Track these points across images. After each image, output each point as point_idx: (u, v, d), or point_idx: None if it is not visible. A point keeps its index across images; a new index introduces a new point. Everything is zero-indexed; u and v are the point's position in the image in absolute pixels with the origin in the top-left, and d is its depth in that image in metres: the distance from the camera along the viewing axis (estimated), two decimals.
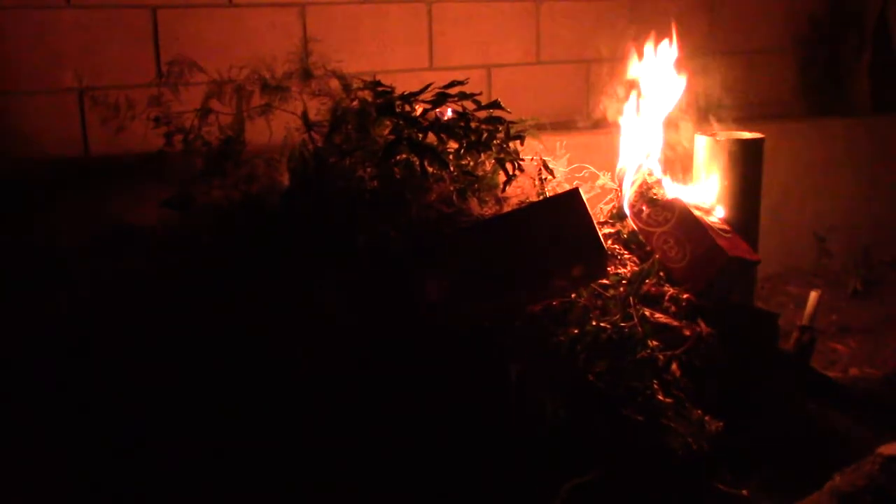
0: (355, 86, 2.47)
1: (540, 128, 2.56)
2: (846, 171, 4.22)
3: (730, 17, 4.14)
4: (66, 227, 2.48)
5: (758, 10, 4.21)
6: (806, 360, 2.93)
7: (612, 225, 2.81)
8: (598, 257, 2.22)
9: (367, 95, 2.46)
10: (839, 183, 4.21)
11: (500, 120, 2.37)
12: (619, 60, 3.08)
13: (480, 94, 2.43)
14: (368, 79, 2.58)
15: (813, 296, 3.05)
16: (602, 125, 2.95)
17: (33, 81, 2.95)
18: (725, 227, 2.72)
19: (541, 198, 2.42)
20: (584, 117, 3.52)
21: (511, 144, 2.36)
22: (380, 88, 2.48)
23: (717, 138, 2.78)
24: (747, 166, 2.79)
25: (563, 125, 3.21)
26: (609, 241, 2.74)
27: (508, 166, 2.34)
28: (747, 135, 2.83)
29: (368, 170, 2.25)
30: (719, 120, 3.51)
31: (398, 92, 2.45)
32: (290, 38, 3.26)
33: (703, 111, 3.10)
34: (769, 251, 3.78)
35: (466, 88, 2.45)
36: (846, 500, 1.97)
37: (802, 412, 2.65)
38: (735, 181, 2.79)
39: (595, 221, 2.34)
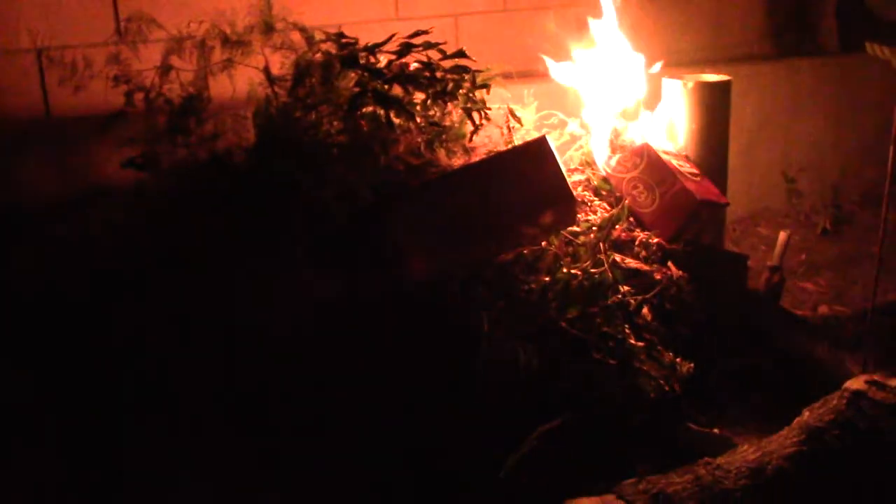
0: (318, 38, 2.43)
1: (507, 76, 2.54)
2: (814, 111, 4.24)
3: None
4: (29, 189, 2.43)
5: None
6: (775, 299, 2.97)
7: (582, 171, 2.82)
8: (567, 204, 2.22)
9: (330, 48, 2.42)
10: (807, 123, 4.22)
11: (465, 69, 2.35)
12: (584, 5, 3.06)
13: (446, 43, 2.40)
14: (333, 31, 2.53)
15: (782, 236, 3.08)
16: (572, 72, 2.93)
17: None
18: (695, 170, 2.73)
19: (509, 147, 2.41)
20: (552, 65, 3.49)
21: (478, 94, 2.34)
22: (343, 40, 2.45)
23: (685, 82, 2.78)
24: (715, 109, 2.79)
25: (531, 73, 3.17)
26: (579, 189, 2.74)
27: (475, 115, 2.32)
28: (714, 77, 2.82)
29: (334, 123, 2.23)
30: (687, 63, 3.51)
31: (363, 43, 2.41)
32: None
33: (669, 54, 3.08)
34: (739, 194, 3.81)
35: (432, 38, 2.42)
36: (814, 434, 2.01)
37: (772, 350, 2.69)
38: (703, 124, 2.80)
39: (564, 168, 2.34)
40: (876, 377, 2.25)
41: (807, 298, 3.39)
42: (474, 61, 2.41)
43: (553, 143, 2.24)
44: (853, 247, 3.84)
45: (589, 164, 2.83)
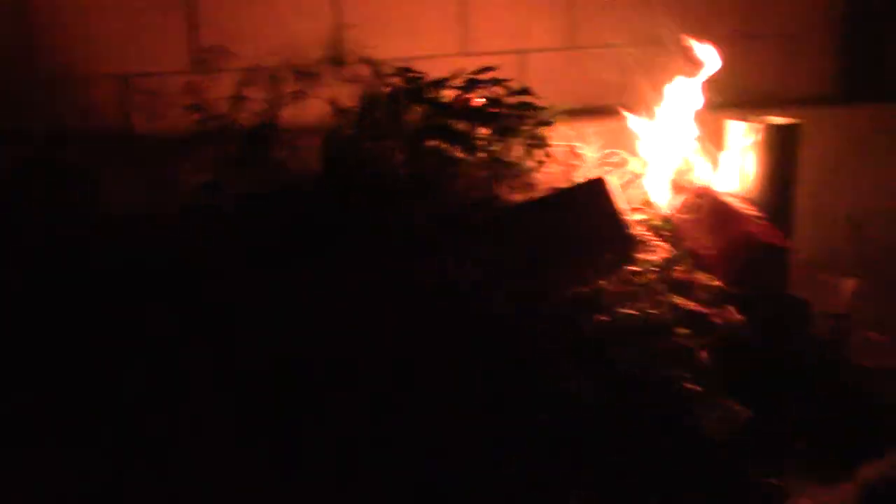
0: (386, 72, 2.49)
1: (573, 113, 2.56)
2: (884, 156, 4.15)
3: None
4: (112, 203, 2.51)
5: None
6: (839, 348, 2.90)
7: (643, 211, 2.81)
8: (624, 243, 2.22)
9: (397, 81, 2.47)
10: (877, 169, 4.13)
11: (530, 106, 2.37)
12: (654, 45, 3.06)
13: (511, 80, 2.43)
14: (400, 65, 2.58)
15: (848, 284, 3.01)
16: (637, 111, 2.93)
17: (83, 66, 2.99)
18: (757, 214, 2.70)
19: (569, 185, 2.42)
20: (617, 103, 3.50)
21: (540, 130, 2.36)
22: (410, 74, 2.50)
23: (752, 125, 2.76)
24: (782, 152, 2.77)
25: (597, 111, 3.18)
26: (639, 228, 2.73)
27: (537, 152, 2.34)
28: (781, 120, 2.80)
29: (399, 155, 2.27)
30: (753, 105, 3.47)
31: (429, 78, 2.46)
32: (322, 24, 3.27)
33: (736, 97, 3.07)
34: (805, 239, 3.73)
35: (498, 74, 2.45)
36: (873, 491, 1.96)
37: (836, 399, 2.63)
38: (769, 168, 2.77)
39: (623, 208, 2.34)
40: None
41: (872, 349, 3.31)
42: (539, 98, 2.44)
43: (612, 183, 2.24)
44: None
45: (651, 204, 2.82)
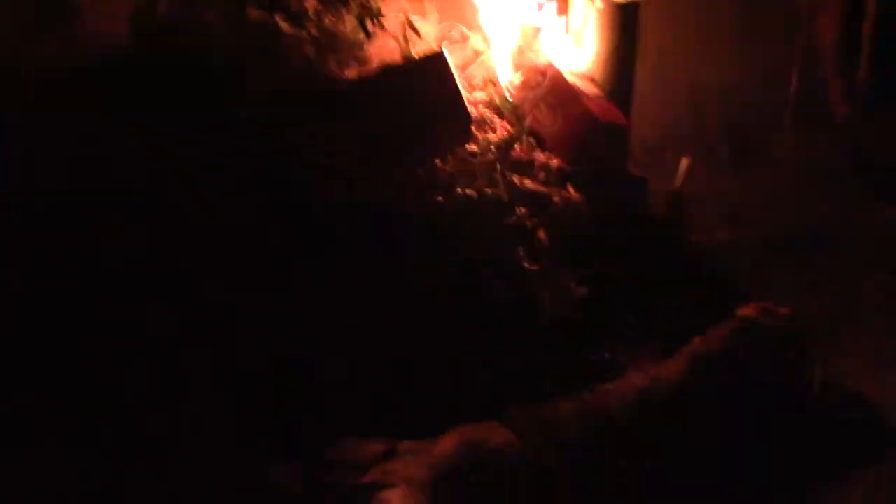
0: None
1: None
2: (723, 35, 4.18)
3: None
4: None
5: None
6: (676, 224, 2.96)
7: (484, 89, 2.71)
8: (462, 122, 2.13)
9: None
10: (716, 48, 4.17)
11: None
12: None
13: None
14: None
15: (683, 162, 3.05)
16: None
17: None
18: (598, 92, 2.66)
19: (405, 60, 2.28)
20: None
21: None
22: None
23: (594, 2, 2.67)
24: (623, 30, 2.71)
25: None
26: (479, 107, 2.64)
27: (368, 24, 2.18)
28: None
29: (219, 30, 2.06)
30: None
31: None
32: None
33: None
34: (646, 118, 3.76)
35: None
36: (700, 363, 2.01)
37: (672, 274, 2.68)
38: (610, 46, 2.71)
39: (462, 85, 2.24)
40: (767, 304, 2.27)
41: (706, 224, 3.40)
42: None
43: (451, 60, 2.12)
44: (754, 174, 3.86)
45: (492, 81, 2.72)
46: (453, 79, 2.11)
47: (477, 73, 2.73)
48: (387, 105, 2.08)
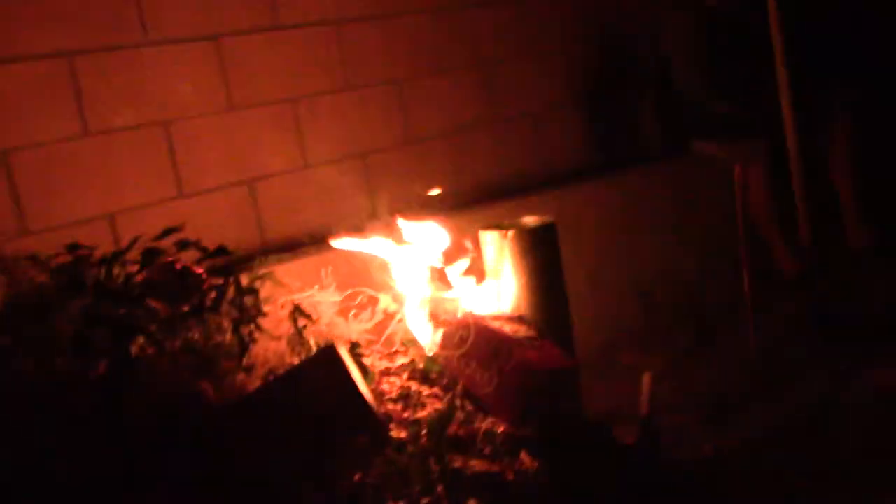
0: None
1: (299, 252, 2.12)
2: (655, 220, 4.01)
3: (506, 88, 3.87)
4: None
5: (536, 74, 3.96)
6: (654, 457, 2.58)
7: (405, 353, 2.39)
8: (376, 430, 1.76)
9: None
10: (651, 234, 3.98)
11: (228, 270, 1.89)
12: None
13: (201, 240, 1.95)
14: (103, 223, 2.37)
15: (645, 380, 2.71)
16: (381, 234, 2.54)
17: None
18: (531, 333, 2.34)
19: (287, 370, 1.93)
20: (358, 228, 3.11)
21: (248, 299, 1.88)
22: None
23: (501, 234, 2.42)
24: (543, 255, 2.45)
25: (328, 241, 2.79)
26: (404, 377, 2.31)
27: (245, 329, 1.85)
28: (534, 222, 2.48)
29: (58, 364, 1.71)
30: (507, 193, 3.20)
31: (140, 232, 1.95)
32: None
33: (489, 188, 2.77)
34: (595, 319, 3.48)
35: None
36: None
37: None
38: (532, 276, 2.43)
39: (365, 385, 1.89)
40: None
41: (686, 436, 3.03)
42: (232, 255, 1.97)
43: (345, 354, 1.79)
44: (720, 363, 3.55)
45: (413, 342, 2.40)
46: (349, 379, 1.77)
47: (395, 336, 2.42)
48: (276, 423, 1.71)
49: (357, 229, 2.66)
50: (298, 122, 3.26)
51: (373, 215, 2.95)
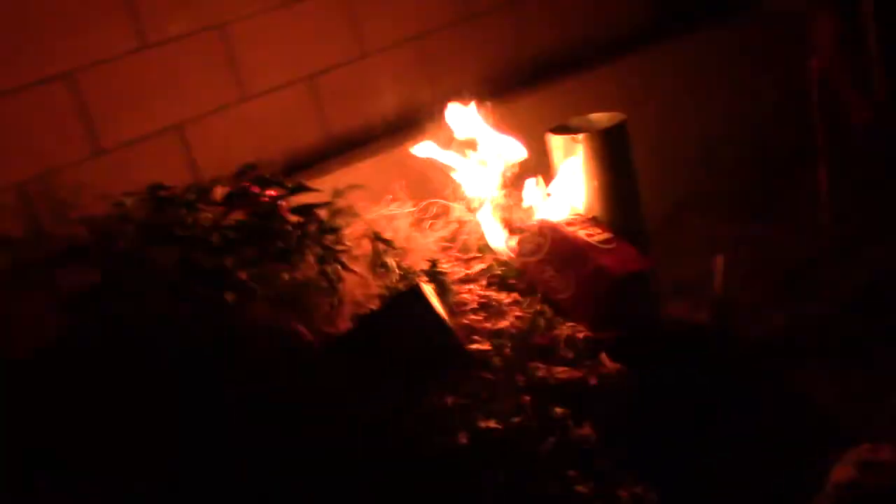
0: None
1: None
2: (722, 78, 3.87)
3: None
4: None
5: None
6: (727, 337, 2.63)
7: (482, 259, 2.43)
8: (459, 357, 1.83)
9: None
10: (717, 97, 3.86)
11: (308, 209, 1.92)
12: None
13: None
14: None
15: (718, 262, 2.73)
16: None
17: None
18: (606, 235, 2.35)
19: (381, 294, 1.99)
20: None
21: (330, 238, 1.91)
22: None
23: (574, 138, 2.38)
24: (615, 156, 2.41)
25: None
26: (483, 282, 2.36)
27: (331, 267, 1.90)
28: (604, 121, 2.43)
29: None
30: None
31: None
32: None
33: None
34: (662, 185, 3.44)
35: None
36: None
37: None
38: (605, 176, 2.41)
39: (443, 293, 1.94)
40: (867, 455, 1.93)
41: (759, 311, 3.05)
42: (320, 192, 1.99)
43: (428, 290, 1.84)
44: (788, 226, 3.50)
45: (488, 247, 2.44)
46: (435, 309, 1.82)
47: (470, 243, 2.46)
48: (368, 358, 1.80)
49: (416, 119, 2.64)
50: (352, 5, 3.18)
51: (432, 101, 2.90)
